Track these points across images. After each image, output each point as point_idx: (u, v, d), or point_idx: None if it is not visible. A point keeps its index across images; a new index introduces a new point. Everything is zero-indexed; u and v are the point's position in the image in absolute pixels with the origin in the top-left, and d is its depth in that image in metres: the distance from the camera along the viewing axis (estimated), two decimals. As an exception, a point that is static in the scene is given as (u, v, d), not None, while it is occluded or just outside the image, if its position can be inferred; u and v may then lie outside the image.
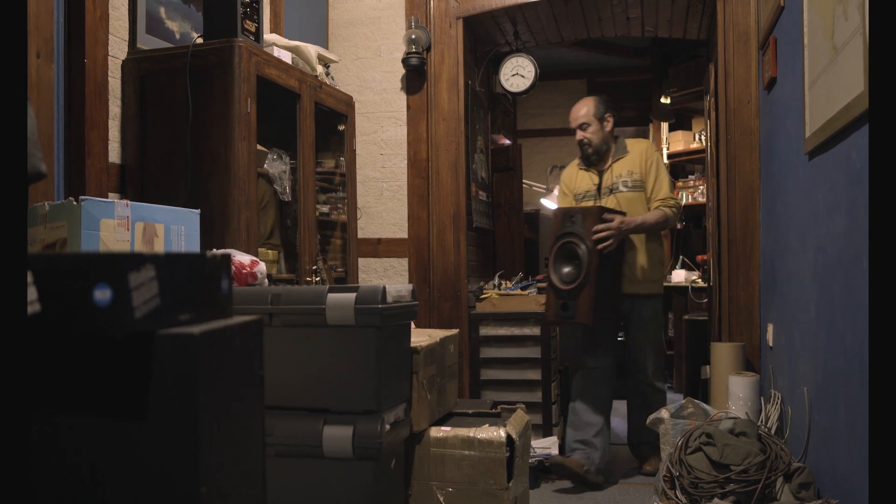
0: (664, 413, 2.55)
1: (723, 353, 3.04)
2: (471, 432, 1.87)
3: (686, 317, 4.91)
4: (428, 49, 3.66)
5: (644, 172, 3.14)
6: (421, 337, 2.00)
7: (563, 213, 2.96)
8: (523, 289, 3.64)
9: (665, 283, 5.53)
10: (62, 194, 2.21)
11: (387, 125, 3.78)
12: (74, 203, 1.57)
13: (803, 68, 2.12)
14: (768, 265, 2.95)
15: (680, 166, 5.90)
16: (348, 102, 3.32)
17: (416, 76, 3.70)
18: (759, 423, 2.40)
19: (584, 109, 3.19)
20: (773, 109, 2.83)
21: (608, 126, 3.19)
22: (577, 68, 6.90)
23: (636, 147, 3.22)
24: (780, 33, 2.64)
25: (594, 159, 3.21)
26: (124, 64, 2.45)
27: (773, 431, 2.43)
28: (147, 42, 2.53)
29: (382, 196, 3.78)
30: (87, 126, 2.27)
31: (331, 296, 1.63)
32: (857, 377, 1.60)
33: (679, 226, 5.55)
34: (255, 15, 2.53)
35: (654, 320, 3.21)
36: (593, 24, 4.08)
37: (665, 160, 5.76)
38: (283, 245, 2.92)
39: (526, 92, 4.02)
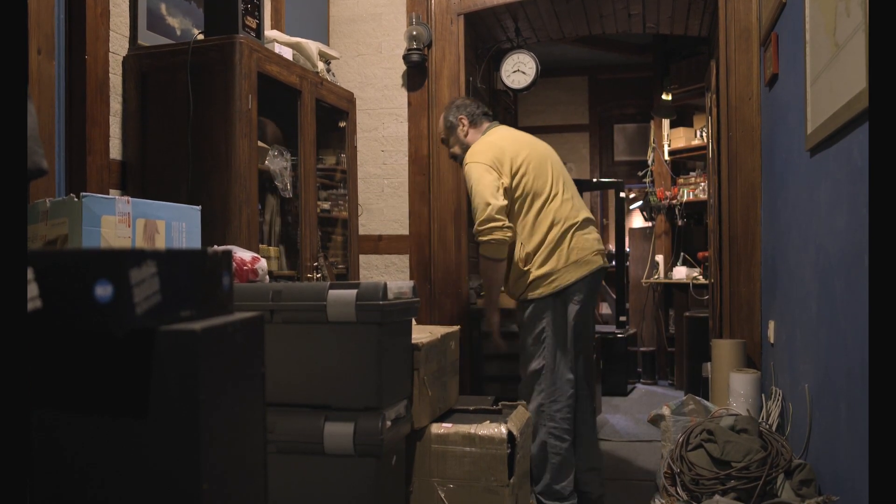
0: (665, 409, 2.55)
1: (724, 349, 3.04)
2: (472, 429, 1.87)
3: (687, 313, 4.92)
4: (429, 45, 3.66)
5: None
6: (422, 334, 2.00)
7: None
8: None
9: (666, 280, 5.58)
10: (63, 191, 2.21)
11: (388, 122, 3.77)
12: (75, 200, 1.57)
13: (805, 65, 2.11)
14: (769, 262, 2.95)
15: (681, 163, 5.90)
16: (349, 99, 3.32)
17: (417, 73, 3.69)
18: (760, 420, 2.40)
19: (440, 124, 2.89)
20: (774, 106, 2.83)
21: (463, 129, 2.80)
22: (578, 65, 6.89)
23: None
24: (781, 30, 2.63)
25: None
26: (125, 60, 2.45)
27: (774, 428, 2.43)
28: (148, 38, 2.53)
29: (383, 193, 3.77)
30: (88, 123, 2.27)
31: (332, 292, 1.63)
32: (858, 374, 1.60)
33: (680, 222, 5.54)
34: (256, 11, 2.53)
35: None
36: (594, 21, 4.07)
37: (666, 156, 5.75)
38: (284, 242, 2.92)
39: (527, 88, 4.01)
